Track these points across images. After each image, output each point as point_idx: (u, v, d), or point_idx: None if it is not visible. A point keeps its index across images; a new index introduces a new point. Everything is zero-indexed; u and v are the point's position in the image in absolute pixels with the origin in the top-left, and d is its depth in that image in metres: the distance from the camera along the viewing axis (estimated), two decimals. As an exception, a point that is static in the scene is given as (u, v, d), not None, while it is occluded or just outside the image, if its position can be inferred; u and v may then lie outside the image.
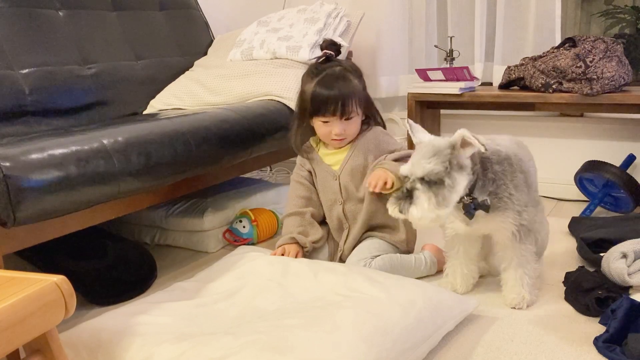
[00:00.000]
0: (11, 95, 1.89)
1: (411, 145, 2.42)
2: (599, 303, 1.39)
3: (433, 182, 1.31)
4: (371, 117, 1.72)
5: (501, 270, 1.52)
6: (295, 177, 1.76)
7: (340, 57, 2.28)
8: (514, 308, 1.48)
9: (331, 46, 1.68)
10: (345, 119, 1.61)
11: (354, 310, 1.23)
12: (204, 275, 1.55)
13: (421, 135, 1.41)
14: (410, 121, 1.46)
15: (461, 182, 1.34)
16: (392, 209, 1.36)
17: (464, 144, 1.32)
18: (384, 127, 1.75)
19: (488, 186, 1.40)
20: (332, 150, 1.70)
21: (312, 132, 1.71)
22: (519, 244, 1.45)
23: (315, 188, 1.74)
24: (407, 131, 1.46)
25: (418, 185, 1.33)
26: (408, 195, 1.33)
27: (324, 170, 1.70)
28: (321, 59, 1.67)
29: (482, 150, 1.30)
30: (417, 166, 1.33)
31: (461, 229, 1.48)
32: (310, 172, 1.74)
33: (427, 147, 1.34)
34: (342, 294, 1.33)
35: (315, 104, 1.59)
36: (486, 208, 1.40)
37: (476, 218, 1.41)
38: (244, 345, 1.12)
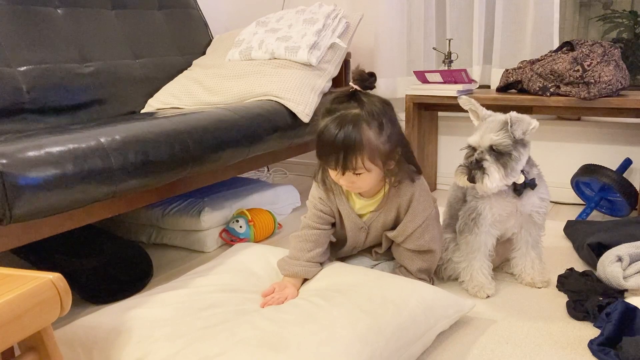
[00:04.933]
0: (9, 92, 1.89)
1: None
2: (599, 308, 1.39)
3: (501, 154, 1.42)
4: (406, 172, 1.46)
5: (515, 253, 1.62)
6: (315, 209, 1.53)
7: (338, 58, 2.30)
8: (540, 288, 1.60)
9: (360, 80, 1.38)
10: (353, 173, 1.36)
11: (349, 308, 1.24)
12: (200, 270, 1.55)
13: (484, 111, 1.50)
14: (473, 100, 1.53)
15: (524, 156, 1.45)
16: (461, 178, 1.44)
17: (514, 122, 1.42)
18: (420, 171, 1.51)
19: (532, 164, 1.52)
20: (361, 200, 1.50)
21: None
22: (541, 224, 1.57)
23: (334, 225, 1.56)
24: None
25: (487, 156, 1.42)
26: (477, 166, 1.42)
27: (350, 217, 1.52)
28: (346, 93, 1.38)
29: (534, 127, 1.42)
30: (486, 138, 1.42)
31: (503, 211, 1.52)
32: (332, 211, 1.53)
33: (493, 122, 1.44)
34: (336, 290, 1.34)
35: (318, 150, 1.37)
36: (533, 186, 1.50)
37: (520, 196, 1.51)
38: (240, 342, 1.12)
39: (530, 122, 1.42)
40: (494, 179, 1.41)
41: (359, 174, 1.36)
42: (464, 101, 1.52)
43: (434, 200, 1.54)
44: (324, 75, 2.22)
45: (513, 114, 1.42)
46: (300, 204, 2.41)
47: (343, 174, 1.36)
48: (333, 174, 1.40)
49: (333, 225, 1.56)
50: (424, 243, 1.50)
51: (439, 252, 1.57)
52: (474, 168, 1.42)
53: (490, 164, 1.41)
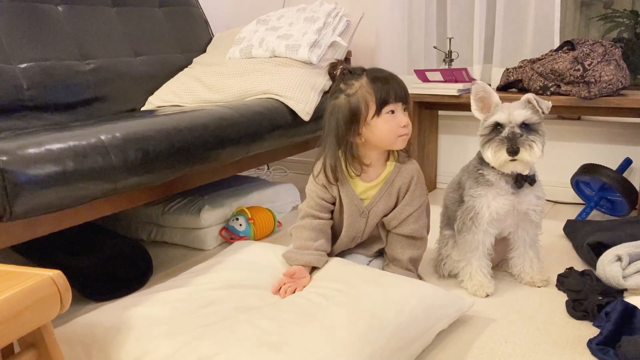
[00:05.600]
0: (9, 89, 1.89)
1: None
2: (599, 308, 1.39)
3: (532, 130, 1.42)
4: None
5: (513, 253, 1.63)
6: (317, 198, 1.55)
7: (339, 56, 2.30)
8: (539, 287, 1.60)
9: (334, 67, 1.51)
10: (404, 109, 1.47)
11: (349, 307, 1.24)
12: (200, 268, 1.55)
13: (497, 99, 1.50)
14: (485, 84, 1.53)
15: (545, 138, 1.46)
16: (500, 152, 1.42)
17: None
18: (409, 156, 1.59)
19: None
20: (364, 183, 1.53)
21: (350, 153, 1.49)
22: (538, 222, 1.57)
23: (332, 216, 1.58)
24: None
25: (520, 130, 1.42)
26: (517, 140, 1.41)
27: (353, 201, 1.53)
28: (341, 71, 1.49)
29: (544, 112, 1.44)
30: (518, 114, 1.42)
31: (501, 209, 1.51)
32: (334, 198, 1.55)
33: (514, 103, 1.45)
34: (336, 289, 1.34)
35: (380, 94, 1.42)
36: (532, 182, 1.50)
37: (517, 193, 1.51)
38: (239, 341, 1.12)
39: (546, 101, 1.47)
40: (538, 151, 1.41)
41: (407, 109, 1.47)
42: (478, 87, 1.50)
43: (426, 191, 1.60)
44: (324, 74, 2.22)
45: (530, 94, 1.45)
46: (300, 202, 2.41)
47: (403, 105, 1.46)
48: (391, 123, 1.44)
49: (332, 213, 1.58)
50: (418, 228, 1.55)
51: (427, 241, 1.61)
52: (513, 142, 1.40)
53: (534, 137, 1.42)
